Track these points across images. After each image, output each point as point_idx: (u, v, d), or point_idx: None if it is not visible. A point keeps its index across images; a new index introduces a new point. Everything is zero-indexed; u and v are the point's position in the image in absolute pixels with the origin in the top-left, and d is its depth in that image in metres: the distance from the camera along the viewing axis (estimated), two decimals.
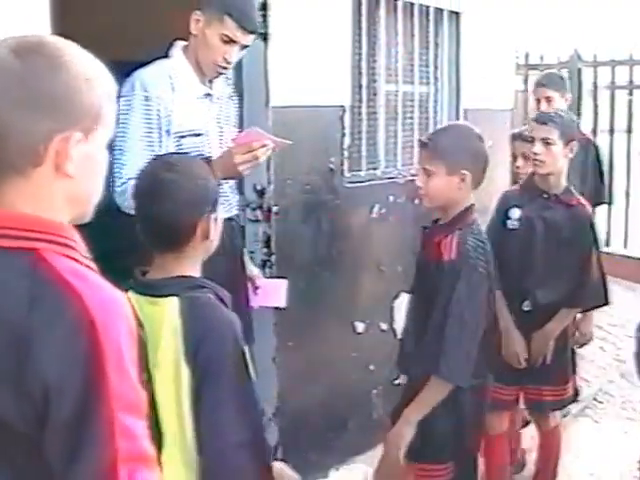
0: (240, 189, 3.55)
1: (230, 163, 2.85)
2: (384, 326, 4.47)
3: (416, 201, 4.50)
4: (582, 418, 5.19)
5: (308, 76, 3.81)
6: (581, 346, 4.19)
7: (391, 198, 4.50)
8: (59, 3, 2.67)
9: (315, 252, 4.03)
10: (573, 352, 3.91)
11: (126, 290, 1.96)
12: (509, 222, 3.60)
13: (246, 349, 2.02)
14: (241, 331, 2.02)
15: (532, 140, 3.62)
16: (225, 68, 3.01)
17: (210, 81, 3.07)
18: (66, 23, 2.64)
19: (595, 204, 5.25)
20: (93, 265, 1.36)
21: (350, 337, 4.29)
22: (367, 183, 4.39)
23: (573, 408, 5.15)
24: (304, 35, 3.78)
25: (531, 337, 3.60)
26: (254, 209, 3.65)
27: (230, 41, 2.92)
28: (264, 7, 3.44)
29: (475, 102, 5.12)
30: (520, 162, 4.14)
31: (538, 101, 4.88)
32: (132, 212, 2.19)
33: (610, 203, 5.49)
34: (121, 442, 1.23)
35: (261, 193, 3.64)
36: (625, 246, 7.91)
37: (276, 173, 3.65)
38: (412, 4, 4.67)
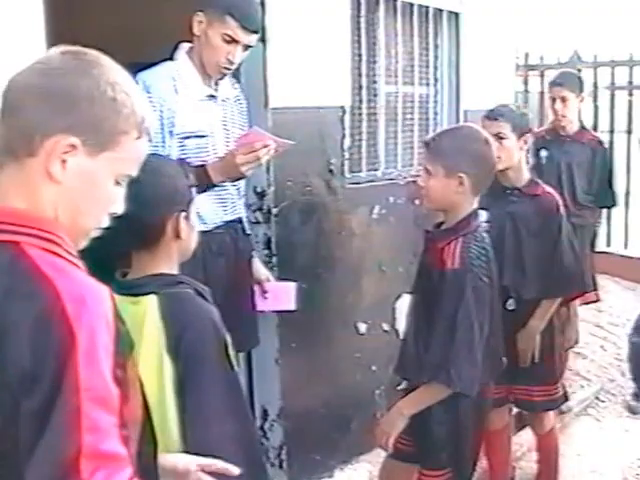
0: None
1: (232, 164, 2.85)
2: (386, 327, 4.48)
3: (416, 202, 4.52)
4: (584, 417, 5.21)
5: (308, 77, 3.82)
6: (566, 350, 4.17)
7: (391, 199, 4.50)
8: (60, 4, 2.68)
9: (316, 253, 4.04)
10: (561, 354, 3.89)
11: None
12: None
13: (228, 339, 2.03)
14: (221, 322, 2.03)
15: None
16: (228, 69, 3.00)
17: (216, 83, 3.07)
18: (68, 25, 2.66)
19: (601, 206, 5.29)
20: (79, 262, 1.36)
21: (352, 338, 4.30)
22: (367, 184, 4.40)
23: (575, 407, 5.18)
24: (303, 36, 3.78)
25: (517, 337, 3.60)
26: (254, 211, 3.66)
27: (232, 41, 2.92)
28: (262, 8, 3.44)
29: (475, 103, 5.12)
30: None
31: (553, 100, 4.88)
32: None
33: (613, 206, 5.51)
34: (87, 436, 1.20)
35: (261, 195, 3.65)
36: (625, 246, 7.92)
37: (276, 174, 3.66)
38: (411, 5, 4.68)
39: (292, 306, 3.40)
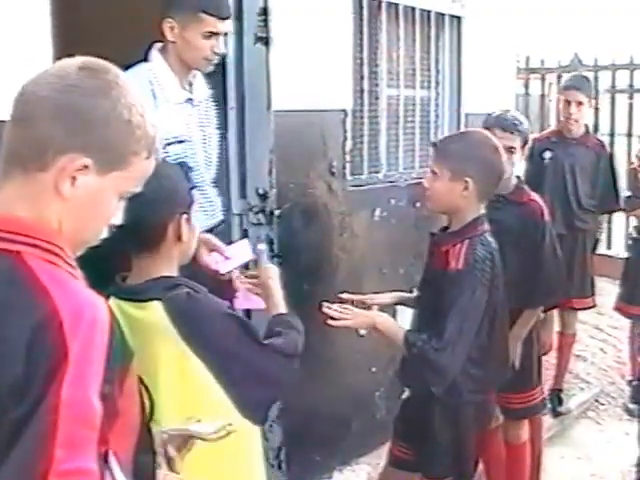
0: (243, 193, 3.58)
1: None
2: None
3: (417, 204, 4.54)
4: (584, 420, 5.22)
5: (310, 80, 3.83)
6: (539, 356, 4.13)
7: (392, 201, 4.52)
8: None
9: (317, 255, 4.06)
10: (540, 360, 3.88)
11: (107, 296, 1.99)
12: None
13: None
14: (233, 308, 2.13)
15: None
16: (213, 59, 2.97)
17: (190, 84, 3.04)
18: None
19: (606, 212, 5.29)
20: (78, 273, 1.36)
21: (353, 339, 4.31)
22: (369, 186, 4.42)
23: (575, 409, 5.19)
24: (306, 40, 3.80)
25: None
26: (257, 213, 3.67)
27: (213, 34, 2.89)
28: (265, 12, 3.46)
29: (476, 106, 5.14)
30: None
31: (567, 103, 4.90)
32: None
33: (617, 210, 5.53)
34: (59, 451, 1.18)
35: (264, 197, 3.66)
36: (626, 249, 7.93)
37: (278, 176, 3.67)
38: (413, 9, 4.70)
39: (250, 255, 3.14)
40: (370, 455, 4.25)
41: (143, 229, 2.06)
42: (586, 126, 5.13)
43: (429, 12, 4.83)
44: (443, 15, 4.96)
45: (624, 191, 5.25)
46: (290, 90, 3.68)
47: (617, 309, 5.52)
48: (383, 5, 4.46)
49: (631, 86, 7.97)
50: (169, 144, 2.89)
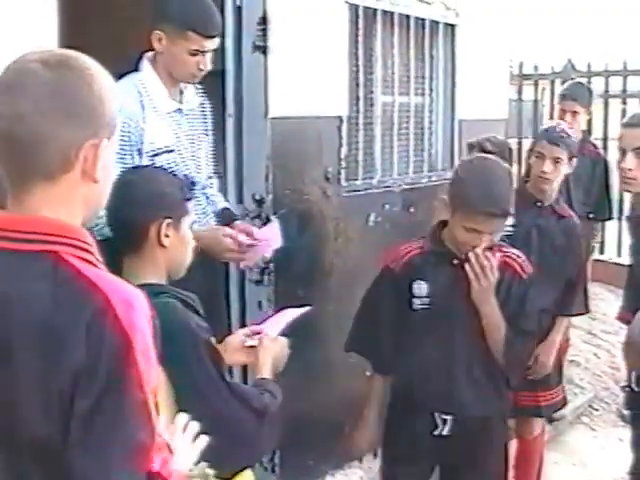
0: (240, 198, 3.60)
1: (218, 243, 2.88)
2: None
3: (411, 209, 4.58)
4: (578, 425, 5.23)
5: (307, 88, 3.87)
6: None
7: (387, 206, 4.55)
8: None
9: (313, 259, 4.08)
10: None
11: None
12: None
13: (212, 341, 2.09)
14: (201, 326, 2.08)
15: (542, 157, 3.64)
16: (199, 75, 2.94)
17: (181, 92, 3.02)
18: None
19: (601, 219, 5.30)
20: (106, 268, 1.40)
21: None
22: (363, 192, 4.45)
23: (569, 415, 5.19)
24: (303, 48, 3.83)
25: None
26: (253, 218, 3.69)
27: (199, 52, 2.86)
28: (264, 21, 3.50)
29: (470, 112, 5.18)
30: None
31: (563, 111, 4.93)
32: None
33: (609, 219, 5.54)
34: (154, 426, 1.29)
35: (260, 202, 3.69)
36: (619, 254, 7.94)
37: (275, 182, 3.70)
38: (408, 17, 4.74)
39: (280, 242, 3.23)
40: (363, 460, 4.26)
41: (127, 227, 2.10)
42: (584, 132, 5.15)
43: (423, 20, 4.87)
44: (437, 23, 5.00)
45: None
46: (287, 97, 3.71)
47: (620, 318, 5.50)
48: (378, 13, 4.50)
49: (624, 91, 7.99)
50: (156, 155, 2.89)
